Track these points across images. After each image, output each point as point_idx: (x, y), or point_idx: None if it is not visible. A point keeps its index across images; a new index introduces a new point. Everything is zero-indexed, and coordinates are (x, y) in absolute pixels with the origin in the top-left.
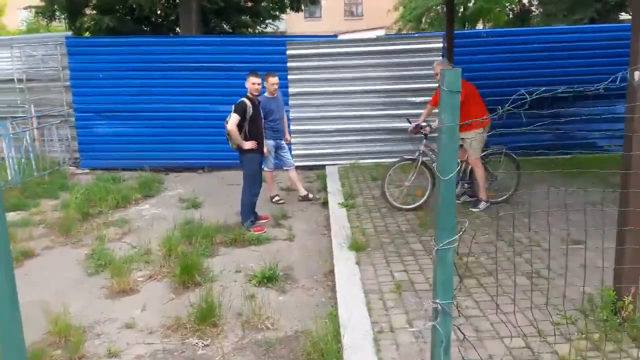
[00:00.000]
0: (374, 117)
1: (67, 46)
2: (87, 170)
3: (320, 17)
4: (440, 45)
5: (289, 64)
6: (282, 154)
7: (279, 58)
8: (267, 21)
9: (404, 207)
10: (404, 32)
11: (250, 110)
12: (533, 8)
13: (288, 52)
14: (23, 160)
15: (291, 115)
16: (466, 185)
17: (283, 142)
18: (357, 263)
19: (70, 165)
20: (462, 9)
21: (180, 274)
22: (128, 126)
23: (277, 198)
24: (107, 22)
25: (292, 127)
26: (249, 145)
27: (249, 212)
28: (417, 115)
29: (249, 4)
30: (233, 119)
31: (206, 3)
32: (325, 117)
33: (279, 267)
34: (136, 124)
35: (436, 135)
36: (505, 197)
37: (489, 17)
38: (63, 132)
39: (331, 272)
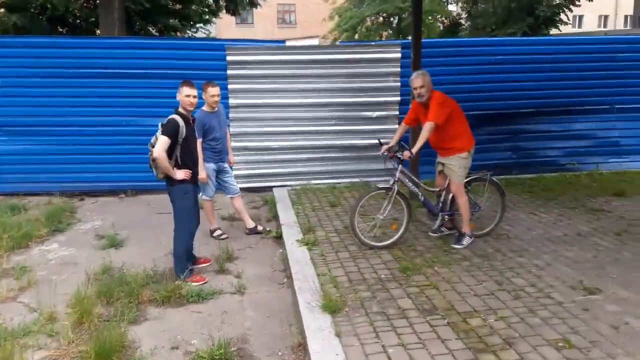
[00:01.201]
0: (326, 133)
1: None
2: None
3: (253, 23)
4: (399, 55)
5: (229, 72)
6: (225, 179)
7: (217, 64)
8: (197, 25)
9: (376, 244)
10: (340, 41)
11: (183, 130)
12: (462, 21)
13: (228, 57)
14: None
15: (232, 130)
16: (446, 217)
17: (226, 164)
18: (337, 335)
19: None
20: (397, 20)
21: (96, 358)
22: (34, 143)
23: (218, 232)
24: (14, 21)
25: (233, 144)
26: (181, 175)
27: (184, 260)
28: (374, 132)
29: (178, 7)
30: (161, 144)
31: (130, 4)
32: (271, 132)
33: (229, 339)
34: (44, 140)
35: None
36: (488, 229)
37: (423, 29)
38: None
39: (300, 345)
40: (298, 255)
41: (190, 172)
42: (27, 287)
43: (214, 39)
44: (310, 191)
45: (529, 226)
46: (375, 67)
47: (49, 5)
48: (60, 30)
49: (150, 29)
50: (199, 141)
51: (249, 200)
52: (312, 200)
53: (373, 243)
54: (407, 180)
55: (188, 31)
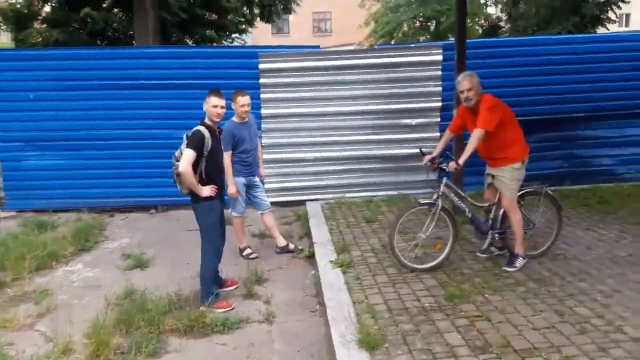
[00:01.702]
0: (362, 143)
1: None
2: (14, 213)
3: (288, 32)
4: (440, 57)
5: (261, 81)
6: (256, 194)
7: (249, 73)
8: (233, 35)
9: (418, 266)
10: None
11: (209, 142)
12: (502, 24)
13: (261, 65)
14: None
15: (264, 141)
16: (497, 235)
17: (256, 179)
18: None
19: None
20: (434, 24)
21: None
22: (64, 158)
23: (248, 251)
24: (56, 36)
25: (265, 156)
26: (207, 192)
27: (210, 284)
28: (414, 141)
29: (214, 17)
30: (187, 158)
31: (166, 15)
32: (304, 143)
33: None
34: (74, 155)
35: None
36: (543, 248)
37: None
38: None
39: None
40: (331, 279)
41: (216, 188)
42: (46, 313)
43: (246, 46)
44: (344, 205)
45: (589, 245)
46: (414, 70)
47: (89, 20)
48: (100, 43)
49: (187, 40)
50: (228, 154)
51: (281, 215)
52: (346, 216)
53: (414, 265)
54: (452, 195)
55: (224, 42)
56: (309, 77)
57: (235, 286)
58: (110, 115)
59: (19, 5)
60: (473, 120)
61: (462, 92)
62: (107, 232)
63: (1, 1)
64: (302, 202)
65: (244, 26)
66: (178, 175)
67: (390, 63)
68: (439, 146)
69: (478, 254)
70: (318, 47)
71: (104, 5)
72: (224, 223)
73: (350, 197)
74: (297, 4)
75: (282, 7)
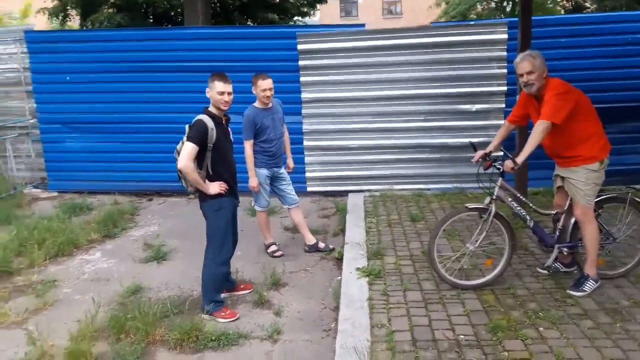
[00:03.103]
0: (414, 131)
1: (27, 42)
2: (55, 194)
3: (357, 15)
4: (505, 36)
5: (301, 63)
6: (282, 186)
7: (288, 55)
8: (295, 18)
9: (462, 282)
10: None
11: (213, 133)
12: (587, 4)
13: (299, 47)
14: None
15: (304, 127)
16: (565, 250)
17: (282, 170)
18: None
19: (36, 187)
20: (511, 4)
21: None
22: (106, 140)
23: (273, 248)
24: (119, 20)
25: (305, 143)
26: (215, 189)
27: (212, 290)
28: (475, 130)
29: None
30: (187, 152)
31: None
32: (349, 130)
33: None
34: (116, 138)
35: None
36: (625, 269)
37: (540, 13)
38: (26, 147)
39: None
40: (354, 292)
41: (226, 184)
42: (42, 308)
43: (284, 25)
44: (391, 199)
45: None
46: (475, 51)
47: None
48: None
49: (250, 23)
50: (249, 142)
51: (320, 206)
52: (390, 212)
53: (458, 281)
54: (509, 199)
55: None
56: (353, 59)
57: (248, 290)
58: (151, 99)
59: None
60: (538, 110)
61: (521, 75)
62: (139, 217)
63: None
64: (344, 194)
65: (305, 9)
66: (179, 171)
67: (447, 42)
68: (495, 139)
69: (539, 269)
70: (363, 26)
71: None
72: (235, 225)
73: (399, 190)
74: None
75: None
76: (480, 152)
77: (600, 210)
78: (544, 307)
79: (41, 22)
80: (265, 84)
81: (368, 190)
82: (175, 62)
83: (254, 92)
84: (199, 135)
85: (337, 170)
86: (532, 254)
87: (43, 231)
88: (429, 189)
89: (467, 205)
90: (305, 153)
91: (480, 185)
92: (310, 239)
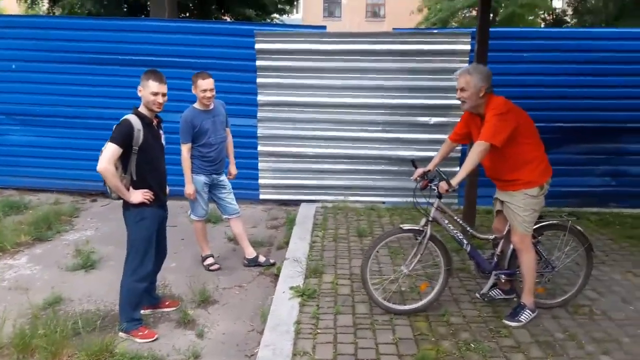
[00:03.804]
0: (371, 141)
1: None
2: None
3: (340, 17)
4: (469, 47)
5: (258, 63)
6: (222, 195)
7: (245, 54)
8: (272, 15)
9: (395, 307)
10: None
11: (139, 134)
12: (567, 18)
13: (257, 46)
14: None
15: (259, 132)
16: (503, 276)
17: (223, 177)
18: None
19: None
20: (492, 15)
21: None
22: (50, 135)
23: (209, 261)
24: (89, 8)
25: (260, 148)
26: (138, 197)
27: (128, 307)
28: (432, 143)
29: None
30: (108, 153)
31: None
32: (305, 136)
33: None
34: (61, 133)
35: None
36: (563, 298)
37: (521, 25)
38: None
39: None
40: (282, 314)
41: (150, 192)
42: None
43: (242, 22)
44: (343, 211)
45: (625, 296)
46: (437, 61)
47: None
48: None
49: (226, 18)
50: (186, 146)
51: (271, 216)
52: (339, 225)
53: (390, 305)
54: (446, 222)
55: (263, 21)
56: (313, 62)
57: (173, 307)
58: (101, 93)
59: None
60: (480, 128)
61: (460, 89)
62: (78, 219)
63: None
64: (298, 203)
65: (283, 6)
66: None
67: (408, 50)
68: (436, 158)
69: (477, 295)
70: (324, 27)
71: None
72: (162, 238)
73: (353, 201)
74: None
75: None
76: (419, 170)
77: (540, 237)
78: (477, 337)
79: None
80: (205, 84)
81: (321, 201)
82: (126, 55)
83: (193, 91)
84: (122, 136)
85: (291, 178)
86: (474, 277)
87: None
88: (383, 202)
89: (401, 225)
90: (259, 159)
91: (417, 205)
92: (250, 252)
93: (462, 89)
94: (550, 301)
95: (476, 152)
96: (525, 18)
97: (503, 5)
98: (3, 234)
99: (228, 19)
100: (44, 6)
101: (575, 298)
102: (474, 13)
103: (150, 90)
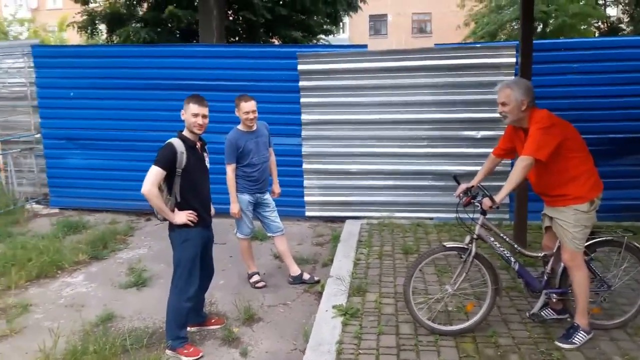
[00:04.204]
0: (416, 157)
1: (33, 56)
2: (56, 210)
3: (386, 34)
4: (514, 60)
5: (301, 84)
6: (265, 213)
7: (288, 75)
8: (318, 36)
9: (440, 328)
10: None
11: (182, 157)
12: (623, 25)
13: (300, 67)
14: None
15: (304, 150)
16: (554, 295)
17: (267, 196)
18: None
19: (37, 203)
20: (541, 26)
21: None
22: (107, 157)
23: (255, 279)
24: (144, 35)
25: (305, 166)
26: (182, 219)
27: (175, 326)
28: (479, 157)
29: (302, 17)
30: (151, 176)
31: (251, 16)
32: (349, 153)
33: None
34: (116, 155)
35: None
36: (622, 319)
37: (575, 35)
38: (30, 162)
39: None
40: (324, 333)
41: (194, 214)
42: (8, 335)
43: (284, 45)
44: (389, 227)
45: None
46: (482, 75)
47: (173, 19)
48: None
49: (274, 41)
50: (231, 167)
51: (317, 233)
52: (385, 242)
53: (435, 325)
54: (491, 239)
55: (310, 43)
56: (355, 80)
57: (219, 325)
58: (154, 117)
59: (118, 5)
60: (524, 143)
61: (502, 104)
62: (132, 238)
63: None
64: (345, 219)
65: (327, 26)
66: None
67: (452, 65)
68: (480, 174)
69: (528, 316)
70: (365, 46)
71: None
72: (208, 259)
73: (399, 218)
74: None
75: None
76: (462, 186)
77: (593, 255)
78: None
79: (76, 36)
80: (247, 106)
81: (367, 217)
82: (175, 80)
83: (236, 114)
84: (165, 159)
85: (336, 195)
86: (525, 297)
87: (31, 250)
88: (431, 218)
89: (445, 243)
90: (304, 176)
91: (460, 222)
92: (295, 270)
93: (503, 104)
94: (608, 322)
95: (520, 167)
96: (577, 28)
97: (553, 16)
98: (62, 253)
99: (276, 42)
100: (103, 36)
101: (636, 319)
102: None
103: (191, 112)
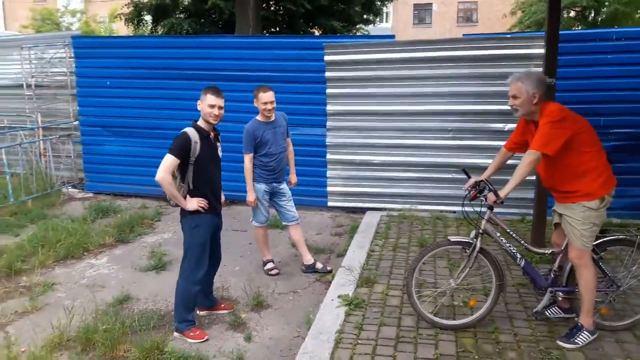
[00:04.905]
0: (441, 149)
1: (73, 47)
2: (91, 195)
3: (430, 23)
4: (543, 51)
5: (327, 74)
6: (281, 202)
7: (315, 66)
8: (358, 26)
9: (441, 322)
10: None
11: (196, 147)
12: None
13: (326, 57)
14: (29, 175)
15: (328, 140)
16: (560, 293)
17: (283, 185)
18: None
19: (73, 187)
20: (592, 14)
21: None
22: (140, 145)
23: (269, 266)
24: (186, 27)
25: (329, 156)
26: (194, 205)
27: (182, 309)
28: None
29: (342, 6)
30: (166, 163)
31: (292, 6)
32: (373, 144)
33: None
34: (150, 143)
35: None
36: (631, 320)
37: (631, 23)
38: (68, 148)
39: None
40: (326, 322)
41: (205, 201)
42: (29, 312)
43: (311, 36)
44: (408, 219)
45: None
46: (510, 66)
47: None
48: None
49: (314, 31)
50: (249, 156)
51: (337, 223)
52: (402, 233)
53: (436, 319)
54: (497, 235)
55: (349, 33)
56: (382, 71)
57: (228, 310)
58: (184, 106)
59: None
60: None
61: (513, 97)
62: (159, 223)
63: None
64: (364, 211)
65: (366, 16)
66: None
67: (480, 56)
68: (490, 168)
69: (534, 314)
70: (393, 37)
71: None
72: (217, 245)
73: (420, 210)
74: None
75: None
76: (472, 180)
77: (603, 253)
78: (524, 358)
79: (124, 27)
80: (266, 97)
81: (388, 209)
82: (208, 70)
83: (255, 104)
84: (179, 148)
85: (359, 186)
86: (535, 294)
87: (60, 232)
88: (454, 212)
89: (449, 237)
90: (328, 167)
91: (466, 216)
92: (309, 259)
93: (514, 97)
94: (617, 323)
95: (526, 162)
96: (633, 16)
97: (606, 4)
98: (90, 235)
99: (316, 32)
100: (149, 26)
101: None
102: (572, 14)
103: (208, 103)
